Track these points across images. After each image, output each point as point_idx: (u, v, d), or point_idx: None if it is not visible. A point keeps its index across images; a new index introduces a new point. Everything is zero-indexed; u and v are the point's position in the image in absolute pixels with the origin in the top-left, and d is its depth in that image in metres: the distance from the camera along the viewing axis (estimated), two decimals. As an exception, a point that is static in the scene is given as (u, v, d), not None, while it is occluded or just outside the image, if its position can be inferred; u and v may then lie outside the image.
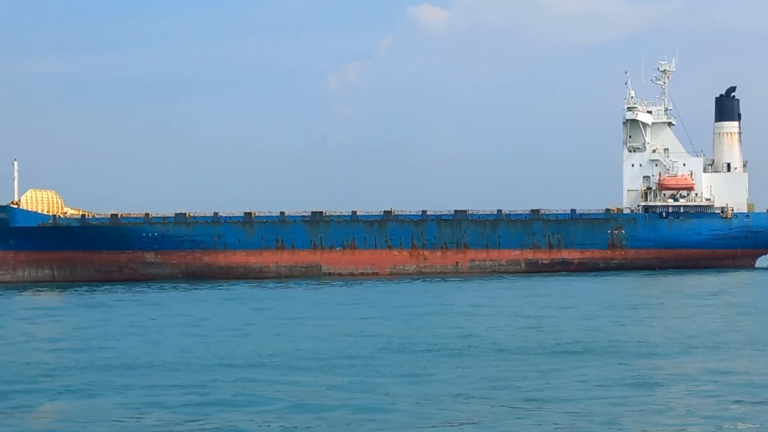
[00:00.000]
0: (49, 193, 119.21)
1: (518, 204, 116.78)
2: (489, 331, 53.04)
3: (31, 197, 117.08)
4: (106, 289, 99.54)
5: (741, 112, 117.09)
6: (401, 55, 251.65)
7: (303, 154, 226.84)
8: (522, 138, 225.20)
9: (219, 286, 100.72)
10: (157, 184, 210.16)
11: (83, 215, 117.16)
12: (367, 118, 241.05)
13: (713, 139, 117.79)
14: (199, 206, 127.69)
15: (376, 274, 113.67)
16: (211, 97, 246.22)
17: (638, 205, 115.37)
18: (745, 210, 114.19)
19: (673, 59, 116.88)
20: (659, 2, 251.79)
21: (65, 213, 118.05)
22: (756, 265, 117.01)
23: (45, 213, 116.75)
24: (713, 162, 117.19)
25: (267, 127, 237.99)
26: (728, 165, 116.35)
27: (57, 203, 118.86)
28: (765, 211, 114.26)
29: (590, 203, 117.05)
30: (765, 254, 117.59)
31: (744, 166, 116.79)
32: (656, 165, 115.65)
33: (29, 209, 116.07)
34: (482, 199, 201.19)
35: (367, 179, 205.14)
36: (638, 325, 56.12)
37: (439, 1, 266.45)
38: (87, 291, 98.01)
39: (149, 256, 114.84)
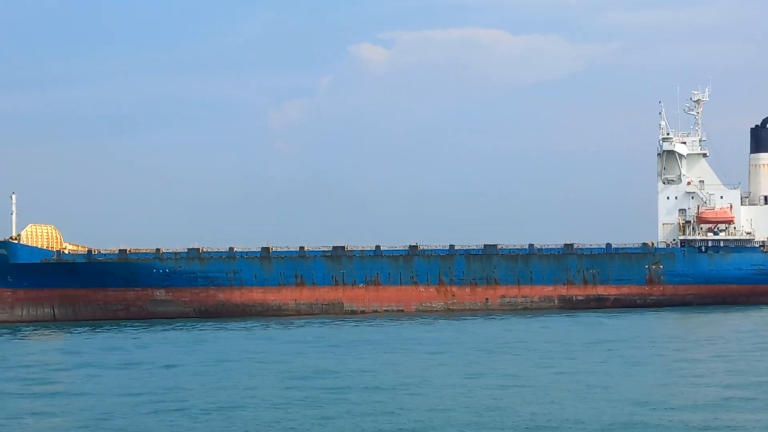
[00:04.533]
0: (49, 228, 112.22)
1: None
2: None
3: (32, 232, 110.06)
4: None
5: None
6: (342, 93, 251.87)
7: (242, 191, 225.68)
8: (460, 176, 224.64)
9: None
10: (104, 218, 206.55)
11: (89, 251, 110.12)
12: (308, 155, 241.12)
13: (749, 171, 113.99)
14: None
15: (402, 311, 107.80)
16: (153, 134, 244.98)
17: (674, 239, 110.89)
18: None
19: (707, 89, 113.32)
20: (596, 43, 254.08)
21: (65, 248, 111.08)
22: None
23: (47, 248, 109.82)
24: (749, 194, 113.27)
25: (209, 163, 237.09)
26: (765, 197, 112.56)
27: (56, 238, 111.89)
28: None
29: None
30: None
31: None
32: (692, 198, 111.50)
33: (30, 244, 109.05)
34: (407, 235, 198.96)
35: (305, 214, 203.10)
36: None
37: (380, 40, 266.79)
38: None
39: (159, 294, 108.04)
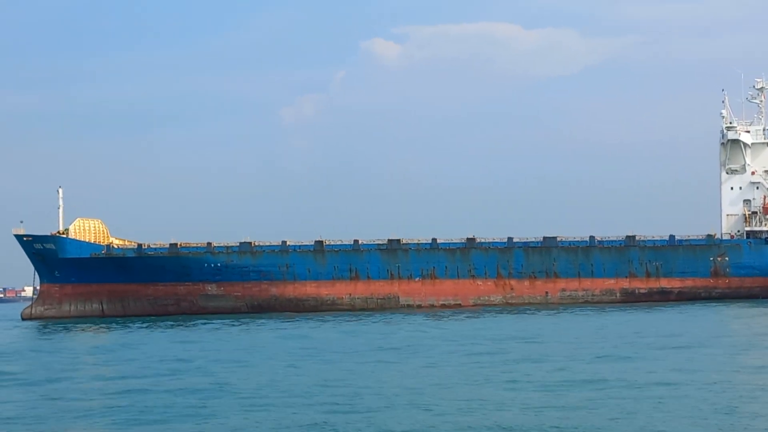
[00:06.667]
0: (96, 222, 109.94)
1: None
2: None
3: (80, 226, 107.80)
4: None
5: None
6: (356, 88, 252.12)
7: (259, 184, 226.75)
8: (486, 165, 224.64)
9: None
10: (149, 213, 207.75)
11: (139, 245, 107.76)
12: (321, 148, 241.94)
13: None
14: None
15: (459, 305, 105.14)
16: (174, 128, 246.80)
17: (738, 231, 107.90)
18: None
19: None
20: (612, 37, 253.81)
21: (112, 243, 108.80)
22: None
23: (95, 243, 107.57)
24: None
25: (228, 157, 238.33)
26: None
27: (103, 233, 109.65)
28: None
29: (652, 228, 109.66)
30: None
31: None
32: (757, 188, 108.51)
33: (78, 239, 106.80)
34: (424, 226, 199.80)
35: (321, 208, 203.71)
36: None
37: (393, 35, 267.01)
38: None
39: (211, 288, 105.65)
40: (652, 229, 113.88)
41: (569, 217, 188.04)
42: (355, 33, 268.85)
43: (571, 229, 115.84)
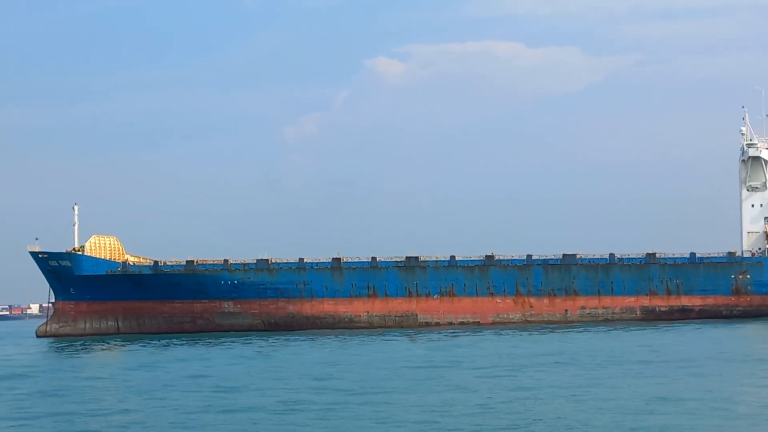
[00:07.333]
0: (111, 239, 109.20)
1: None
2: None
3: (95, 243, 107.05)
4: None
5: None
6: (359, 106, 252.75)
7: (265, 200, 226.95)
8: (495, 182, 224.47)
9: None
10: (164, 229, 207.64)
11: (156, 262, 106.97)
12: (324, 166, 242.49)
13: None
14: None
15: (478, 323, 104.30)
16: (178, 144, 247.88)
17: (760, 248, 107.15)
18: None
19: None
20: (614, 56, 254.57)
21: (127, 260, 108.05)
22: None
23: (110, 260, 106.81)
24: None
25: (231, 174, 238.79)
26: None
27: (119, 250, 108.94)
28: None
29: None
30: None
31: None
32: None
33: (94, 256, 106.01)
34: (440, 243, 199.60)
35: (336, 225, 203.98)
36: None
37: (396, 54, 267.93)
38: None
39: (227, 306, 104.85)
40: (673, 246, 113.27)
41: (588, 234, 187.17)
42: (358, 51, 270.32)
43: (591, 247, 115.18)
